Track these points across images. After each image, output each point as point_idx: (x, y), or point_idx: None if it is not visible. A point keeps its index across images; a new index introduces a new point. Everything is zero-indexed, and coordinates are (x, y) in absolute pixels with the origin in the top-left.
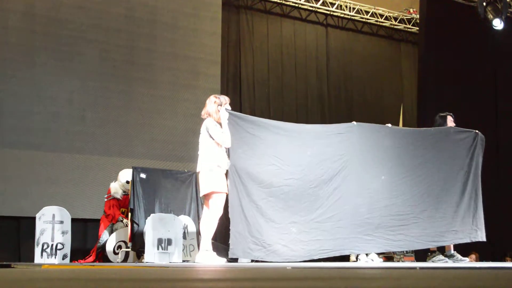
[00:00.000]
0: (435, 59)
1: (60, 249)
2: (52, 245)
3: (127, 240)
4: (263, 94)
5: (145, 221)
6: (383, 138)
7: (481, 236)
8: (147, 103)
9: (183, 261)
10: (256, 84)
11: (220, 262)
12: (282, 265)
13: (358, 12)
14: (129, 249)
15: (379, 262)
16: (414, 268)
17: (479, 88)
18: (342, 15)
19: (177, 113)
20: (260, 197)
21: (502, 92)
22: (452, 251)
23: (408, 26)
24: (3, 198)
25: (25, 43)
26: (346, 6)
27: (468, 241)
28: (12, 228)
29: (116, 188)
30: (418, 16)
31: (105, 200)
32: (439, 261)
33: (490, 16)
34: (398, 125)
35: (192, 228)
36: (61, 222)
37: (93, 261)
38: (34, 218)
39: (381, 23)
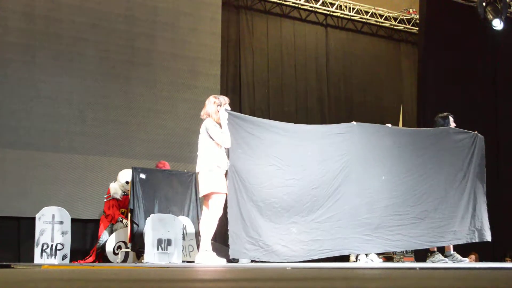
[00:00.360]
0: (435, 59)
1: (59, 250)
2: (51, 245)
3: (127, 241)
4: (263, 94)
5: (144, 222)
6: (383, 138)
7: (480, 237)
8: (146, 103)
9: (183, 261)
10: (256, 84)
11: (220, 262)
12: (281, 266)
13: (357, 12)
14: (129, 250)
15: (378, 263)
16: (414, 268)
17: (479, 88)
18: (341, 15)
19: (177, 113)
20: (261, 197)
21: (502, 92)
22: (452, 252)
23: (408, 26)
24: (3, 198)
25: (24, 43)
26: (346, 6)
27: (466, 242)
28: (12, 229)
29: (116, 188)
30: (418, 16)
31: (105, 200)
32: (438, 262)
33: (490, 16)
34: (398, 125)
35: (191, 228)
36: (61, 222)
37: (93, 262)
38: (33, 219)
39: (381, 24)
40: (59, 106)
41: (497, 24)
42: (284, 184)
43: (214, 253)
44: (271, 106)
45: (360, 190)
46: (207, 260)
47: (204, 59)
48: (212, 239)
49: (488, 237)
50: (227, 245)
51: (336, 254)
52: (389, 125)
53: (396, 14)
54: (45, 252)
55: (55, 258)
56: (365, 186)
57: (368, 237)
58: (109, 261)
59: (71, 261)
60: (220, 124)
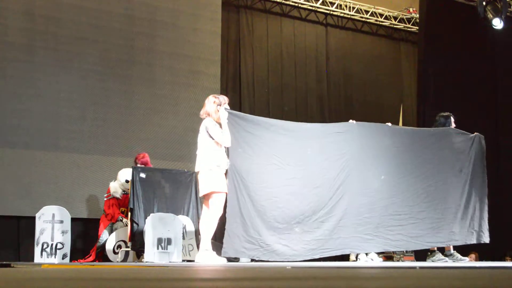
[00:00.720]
0: (435, 58)
1: (59, 249)
2: (51, 244)
3: (127, 240)
4: (263, 94)
5: (144, 221)
6: (383, 137)
7: (478, 239)
8: (146, 102)
9: (183, 260)
10: (256, 83)
11: (220, 261)
12: (281, 265)
13: (358, 11)
14: (129, 249)
15: (379, 262)
16: (414, 267)
17: (479, 87)
18: (341, 15)
19: (177, 113)
20: (264, 197)
21: (502, 91)
22: (452, 251)
23: (408, 25)
24: (3, 197)
25: (24, 42)
26: (346, 6)
27: (464, 243)
28: (12, 228)
29: (116, 187)
30: (418, 15)
31: (105, 199)
32: (438, 261)
33: (490, 15)
34: (397, 124)
35: (190, 228)
36: (61, 221)
37: (93, 261)
38: (33, 218)
39: (381, 23)
40: (59, 105)
41: (497, 23)
42: (286, 183)
43: (214, 252)
44: (271, 106)
45: (361, 189)
46: (207, 259)
47: (204, 59)
48: (212, 239)
49: (485, 239)
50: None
51: (338, 253)
52: (389, 124)
53: (396, 13)
54: (45, 251)
55: (55, 257)
56: (365, 185)
57: (368, 236)
58: (109, 260)
59: (71, 260)
60: (220, 124)
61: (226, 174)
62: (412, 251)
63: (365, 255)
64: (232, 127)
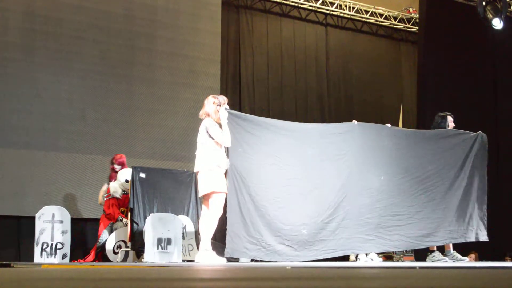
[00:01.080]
0: (435, 58)
1: (59, 249)
2: (51, 244)
3: (127, 240)
4: (263, 94)
5: (144, 221)
6: (383, 138)
7: (476, 237)
8: (146, 102)
9: (183, 260)
10: (256, 83)
11: (220, 261)
12: (281, 265)
13: (357, 11)
14: (129, 249)
15: (378, 262)
16: (414, 267)
17: (479, 87)
18: (341, 15)
19: (176, 113)
20: (265, 197)
21: (502, 91)
22: (452, 251)
23: (407, 25)
24: (3, 197)
25: (25, 42)
26: (346, 6)
27: (462, 241)
28: (11, 228)
29: (116, 187)
30: (417, 15)
31: (105, 199)
32: (438, 261)
33: (490, 15)
34: (397, 124)
35: (190, 228)
36: (61, 221)
37: (93, 261)
38: (33, 218)
39: (380, 23)
40: (59, 105)
41: (497, 23)
42: (286, 183)
43: (214, 252)
44: (271, 105)
45: (362, 189)
46: (207, 259)
47: (204, 59)
48: (212, 239)
49: (483, 237)
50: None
51: (339, 254)
52: (389, 125)
53: (396, 13)
54: (45, 251)
55: (55, 257)
56: (366, 185)
57: (369, 237)
58: (109, 260)
59: (71, 260)
60: (219, 124)
61: (226, 174)
62: (411, 251)
63: (365, 255)
64: (232, 127)
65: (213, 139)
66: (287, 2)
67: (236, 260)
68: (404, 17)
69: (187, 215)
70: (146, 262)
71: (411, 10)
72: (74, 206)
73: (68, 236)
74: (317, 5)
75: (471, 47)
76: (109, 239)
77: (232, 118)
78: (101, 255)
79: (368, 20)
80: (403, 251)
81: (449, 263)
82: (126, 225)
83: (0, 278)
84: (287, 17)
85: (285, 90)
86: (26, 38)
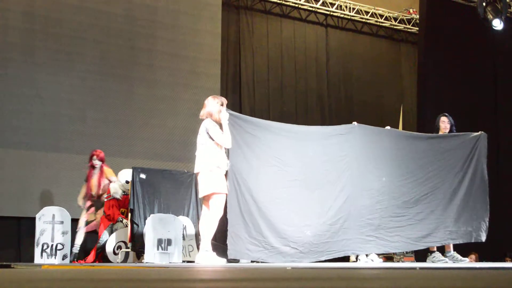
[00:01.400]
0: (435, 59)
1: (60, 250)
2: (52, 245)
3: (127, 241)
4: (263, 94)
5: (144, 222)
6: (384, 140)
7: (475, 238)
8: (147, 103)
9: (183, 261)
10: (256, 84)
11: (220, 262)
12: (281, 266)
13: (358, 12)
14: (129, 250)
15: (379, 263)
16: (414, 268)
17: (479, 88)
18: (342, 16)
19: (177, 113)
20: (265, 198)
21: (502, 92)
22: (452, 251)
23: (408, 26)
24: (3, 198)
25: (25, 43)
26: (346, 7)
27: (461, 242)
28: (12, 229)
29: (116, 188)
30: (418, 16)
31: (105, 200)
32: (438, 261)
33: (490, 16)
34: (398, 124)
35: (190, 228)
36: (61, 222)
37: (93, 262)
38: (34, 219)
39: (381, 24)
40: (60, 106)
41: (497, 24)
42: (287, 185)
43: (214, 253)
44: (271, 106)
45: (363, 191)
46: (207, 260)
47: (204, 59)
48: (212, 239)
49: (482, 238)
50: (226, 245)
51: (341, 255)
52: (388, 127)
53: (396, 14)
54: (45, 252)
55: (55, 258)
56: (367, 187)
57: (370, 238)
58: (109, 261)
59: (71, 261)
60: (220, 124)
61: (226, 175)
62: (412, 252)
63: (365, 256)
64: (233, 128)
65: (213, 140)
66: (287, 3)
67: (236, 261)
68: (404, 18)
69: (187, 216)
70: (146, 263)
71: (411, 11)
72: (75, 207)
73: (68, 237)
74: (317, 6)
75: (471, 48)
76: (109, 240)
77: (233, 119)
78: (102, 256)
79: (368, 21)
80: (403, 251)
81: (449, 264)
82: (126, 226)
83: (0, 279)
84: (287, 17)
85: (285, 90)
86: (26, 38)
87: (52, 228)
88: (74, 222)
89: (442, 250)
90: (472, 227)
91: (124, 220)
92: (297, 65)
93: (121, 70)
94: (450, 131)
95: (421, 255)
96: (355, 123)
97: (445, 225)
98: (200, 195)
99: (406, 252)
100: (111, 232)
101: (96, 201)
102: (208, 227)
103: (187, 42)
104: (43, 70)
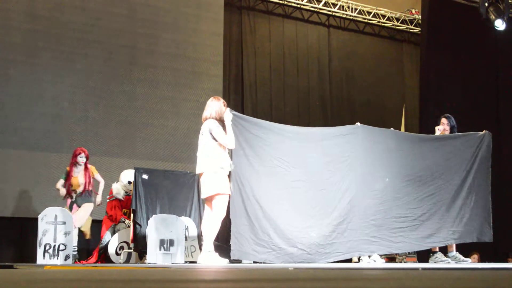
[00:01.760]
0: (437, 59)
1: (62, 250)
2: (54, 246)
3: (129, 241)
4: (265, 95)
5: (147, 222)
6: (387, 141)
7: (478, 237)
8: (149, 103)
9: (186, 262)
10: (258, 84)
11: (222, 263)
12: (284, 266)
13: (360, 12)
14: (131, 250)
15: (381, 263)
16: (417, 269)
17: (481, 88)
18: (344, 16)
19: (179, 114)
20: (269, 199)
21: (504, 92)
22: (454, 252)
23: (410, 26)
24: (6, 199)
25: (27, 43)
26: (348, 7)
27: (464, 241)
28: (14, 229)
29: (118, 189)
30: (420, 16)
31: (107, 201)
32: (441, 262)
33: (492, 16)
34: (400, 125)
35: (193, 229)
36: (64, 223)
37: (95, 262)
38: (36, 219)
39: (383, 24)
40: (62, 106)
41: (499, 25)
42: (291, 185)
43: (217, 254)
44: (273, 106)
45: (367, 191)
46: (210, 260)
47: (206, 60)
48: (214, 240)
49: (486, 237)
50: (229, 246)
51: (348, 256)
52: (392, 129)
53: (398, 15)
54: (48, 252)
55: (57, 258)
56: (370, 187)
57: (374, 239)
58: (111, 262)
59: (72, 262)
60: (222, 124)
61: (229, 176)
62: (414, 252)
63: (367, 256)
64: (236, 129)
65: (216, 140)
66: (289, 4)
67: (239, 261)
68: (407, 18)
69: (190, 216)
70: (149, 263)
71: (413, 11)
72: None
73: (70, 237)
74: (320, 6)
75: (474, 48)
76: (111, 241)
77: (236, 120)
78: (104, 257)
79: (370, 21)
80: (405, 252)
81: (452, 264)
82: (129, 227)
83: (2, 279)
84: (290, 18)
85: (287, 91)
86: (29, 39)
87: (54, 228)
88: None
89: (444, 250)
90: (475, 227)
91: (127, 221)
92: (299, 65)
93: (123, 70)
94: (451, 132)
95: (423, 255)
96: (358, 123)
97: (449, 225)
98: (204, 196)
99: (409, 253)
100: (113, 233)
101: (81, 198)
102: (211, 228)
103: (189, 42)
104: (45, 71)
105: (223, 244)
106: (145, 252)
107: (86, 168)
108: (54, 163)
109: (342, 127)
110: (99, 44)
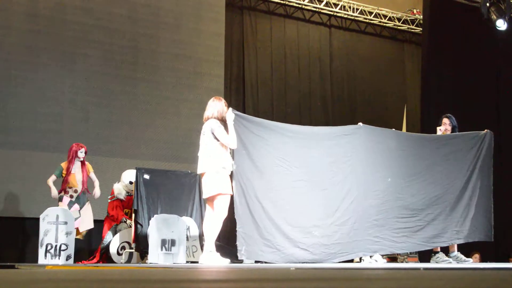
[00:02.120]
0: (439, 59)
1: (64, 250)
2: (56, 246)
3: (131, 241)
4: (267, 95)
5: (148, 222)
6: (389, 141)
7: (480, 237)
8: (150, 103)
9: (187, 262)
10: (260, 84)
11: (223, 263)
12: (285, 266)
13: (361, 12)
14: (133, 250)
15: (382, 263)
16: (418, 269)
17: (482, 88)
18: (345, 16)
19: (180, 114)
20: (271, 199)
21: (504, 92)
22: (456, 252)
23: (411, 26)
24: (7, 199)
25: (28, 43)
26: (350, 7)
27: (467, 241)
28: (16, 229)
29: (120, 189)
30: (421, 16)
31: (109, 201)
32: (442, 262)
33: (494, 16)
34: (401, 124)
35: (194, 229)
36: (65, 223)
37: (97, 262)
38: (38, 219)
39: (384, 24)
40: (63, 106)
41: (501, 25)
42: (292, 185)
43: (218, 254)
44: (274, 107)
45: (369, 191)
46: (211, 260)
47: (208, 60)
48: (216, 240)
49: (488, 237)
50: (232, 246)
51: (353, 257)
52: (393, 130)
53: (399, 15)
54: (49, 252)
55: (59, 258)
56: (373, 187)
57: (376, 239)
58: (113, 262)
59: (75, 261)
60: (224, 123)
61: (231, 176)
62: (416, 252)
63: (369, 256)
64: (238, 129)
65: (218, 140)
66: (291, 4)
67: (240, 261)
68: (408, 18)
69: (191, 216)
70: (150, 263)
71: (415, 11)
72: None
73: (72, 237)
74: (321, 6)
75: (475, 48)
76: (113, 241)
77: (238, 120)
78: (105, 257)
79: (372, 21)
80: (407, 252)
81: (453, 264)
82: (130, 227)
83: (4, 280)
84: (291, 18)
85: (288, 91)
86: (30, 39)
87: (56, 228)
88: None
89: (446, 250)
90: (478, 227)
91: (128, 221)
92: (301, 65)
93: (124, 71)
94: (453, 132)
95: (425, 255)
96: (360, 123)
97: (453, 225)
98: (205, 196)
99: (410, 253)
100: (115, 233)
101: (81, 197)
102: (212, 228)
103: (190, 42)
104: (46, 70)
105: (224, 244)
106: (147, 252)
107: (83, 164)
108: (55, 163)
109: (344, 127)
110: (100, 44)
